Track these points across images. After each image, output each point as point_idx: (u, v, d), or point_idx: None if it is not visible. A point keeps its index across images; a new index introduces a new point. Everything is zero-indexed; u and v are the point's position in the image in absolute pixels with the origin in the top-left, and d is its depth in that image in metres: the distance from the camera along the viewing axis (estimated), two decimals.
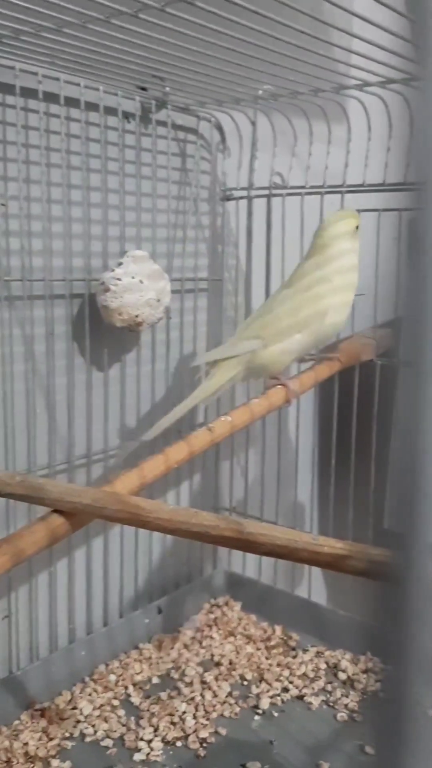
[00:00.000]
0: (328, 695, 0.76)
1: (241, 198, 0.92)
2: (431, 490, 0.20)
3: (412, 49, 0.66)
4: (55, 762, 0.64)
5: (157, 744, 0.67)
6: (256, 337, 0.76)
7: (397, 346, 0.90)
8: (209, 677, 0.77)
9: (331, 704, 0.74)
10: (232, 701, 0.74)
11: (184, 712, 0.71)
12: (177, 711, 0.71)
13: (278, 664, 0.80)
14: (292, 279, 0.79)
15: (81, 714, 0.71)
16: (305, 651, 0.83)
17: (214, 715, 0.72)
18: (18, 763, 0.63)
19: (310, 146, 0.85)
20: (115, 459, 0.83)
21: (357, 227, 0.76)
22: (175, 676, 0.78)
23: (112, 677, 0.77)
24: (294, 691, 0.76)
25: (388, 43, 0.64)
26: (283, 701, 0.74)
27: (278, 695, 0.75)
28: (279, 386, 0.78)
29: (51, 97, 0.71)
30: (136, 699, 0.73)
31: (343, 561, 0.52)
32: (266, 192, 0.89)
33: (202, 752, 0.66)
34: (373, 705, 0.74)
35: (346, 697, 0.75)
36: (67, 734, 0.68)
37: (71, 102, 0.73)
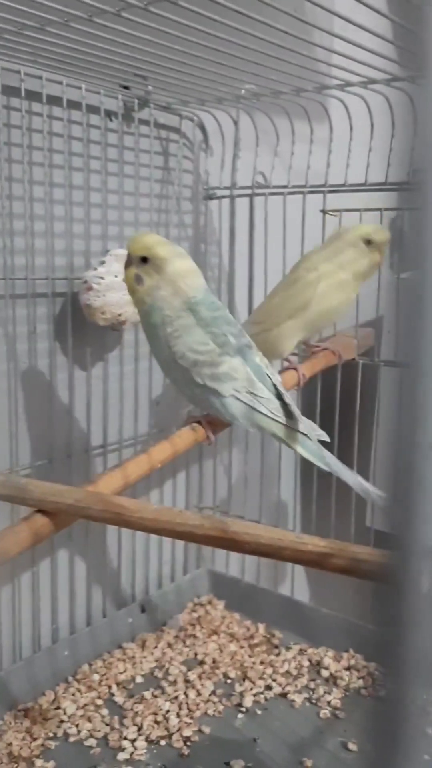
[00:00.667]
0: (311, 693, 0.76)
1: (224, 197, 0.92)
2: (427, 491, 0.20)
3: (394, 50, 0.66)
4: (38, 762, 0.64)
5: (140, 743, 0.67)
6: (258, 322, 0.81)
7: (378, 345, 0.90)
8: (193, 676, 0.77)
9: (314, 702, 0.75)
10: (216, 699, 0.74)
11: (168, 711, 0.71)
12: (161, 710, 0.71)
13: (261, 662, 0.81)
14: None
15: (64, 714, 0.70)
16: (288, 649, 0.84)
17: (198, 713, 0.72)
18: (2, 763, 0.63)
19: (293, 146, 0.85)
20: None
21: (370, 241, 0.77)
22: (159, 675, 0.78)
23: (96, 677, 0.77)
24: (277, 689, 0.76)
25: (369, 44, 0.65)
26: (266, 699, 0.75)
27: (261, 693, 0.75)
28: (291, 369, 0.80)
29: (33, 95, 0.71)
30: (119, 698, 0.73)
31: (326, 559, 0.53)
32: (249, 191, 0.89)
33: (185, 751, 0.66)
34: (369, 706, 0.75)
35: (329, 694, 0.75)
36: (50, 734, 0.68)
37: (53, 100, 0.73)
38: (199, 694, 0.75)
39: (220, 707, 0.73)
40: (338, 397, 0.86)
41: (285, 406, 0.67)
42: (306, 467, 0.93)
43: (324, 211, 0.83)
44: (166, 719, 0.70)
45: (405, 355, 0.20)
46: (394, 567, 0.20)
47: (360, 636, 0.83)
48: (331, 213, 0.83)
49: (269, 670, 0.79)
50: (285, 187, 0.86)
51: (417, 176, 0.20)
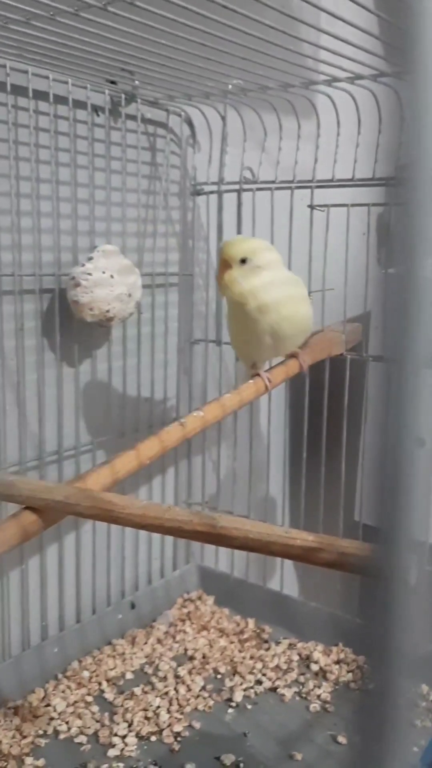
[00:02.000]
0: (301, 686, 0.76)
1: (212, 192, 0.92)
2: (414, 485, 0.20)
3: (380, 46, 0.66)
4: (29, 760, 0.64)
5: (131, 739, 0.67)
6: None
7: (366, 341, 0.90)
8: (183, 671, 0.77)
9: (304, 695, 0.75)
10: (206, 695, 0.74)
11: (158, 707, 0.71)
12: (151, 706, 0.71)
13: (251, 657, 0.81)
14: None
15: (54, 711, 0.70)
16: (278, 643, 0.84)
17: (188, 709, 0.72)
18: None
19: (280, 141, 0.85)
20: None
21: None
22: (149, 671, 0.78)
23: (86, 673, 0.77)
24: (267, 684, 0.76)
25: (356, 39, 0.65)
26: (256, 693, 0.75)
27: (251, 688, 0.76)
28: (257, 376, 0.79)
29: (19, 90, 0.71)
30: (109, 695, 0.73)
31: (314, 553, 0.53)
32: (236, 187, 0.89)
33: (176, 746, 0.66)
34: (357, 698, 0.75)
35: (319, 688, 0.76)
36: (40, 732, 0.68)
37: (40, 95, 0.72)
38: (189, 689, 0.75)
39: (210, 702, 0.73)
40: (326, 391, 0.87)
41: None
42: (294, 462, 0.93)
43: (311, 207, 0.83)
44: (157, 715, 0.70)
45: (391, 350, 0.20)
46: (382, 561, 0.21)
47: (349, 630, 0.84)
48: (318, 208, 0.83)
49: (259, 665, 0.79)
50: (272, 182, 0.86)
51: (404, 172, 0.20)
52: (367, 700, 0.21)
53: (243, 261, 0.73)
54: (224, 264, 0.73)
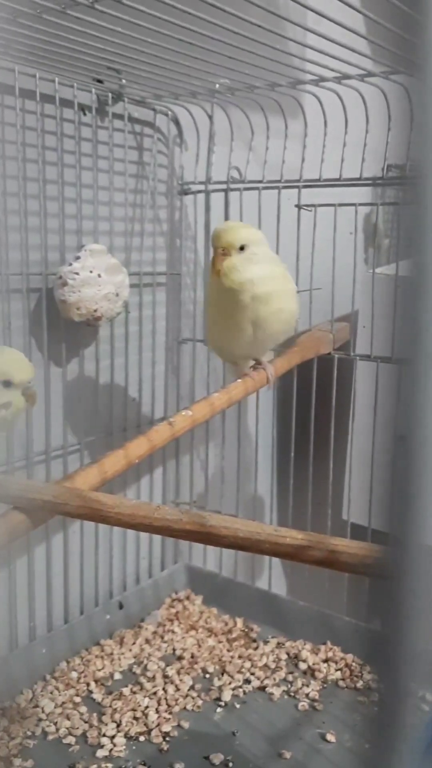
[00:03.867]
0: (289, 685, 0.76)
1: (199, 192, 0.92)
2: (425, 489, 0.20)
3: (367, 45, 0.67)
4: (17, 761, 0.63)
5: (119, 739, 0.67)
6: None
7: (353, 340, 0.91)
8: (171, 671, 0.77)
9: (292, 694, 0.75)
10: (195, 694, 0.74)
11: (147, 707, 0.71)
12: (139, 706, 0.71)
13: (240, 656, 0.81)
14: None
15: (43, 712, 0.70)
16: (266, 642, 0.84)
17: (177, 708, 0.72)
18: None
19: (267, 141, 0.86)
20: None
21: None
22: (137, 671, 0.78)
23: (74, 674, 0.76)
24: (255, 683, 0.76)
25: (343, 39, 0.65)
26: (245, 693, 0.75)
27: (240, 687, 0.76)
28: (245, 375, 0.78)
29: (5, 89, 0.70)
30: (98, 695, 0.73)
31: (304, 551, 0.53)
32: (224, 186, 0.89)
33: (165, 746, 0.66)
34: (348, 697, 0.75)
35: (307, 686, 0.76)
36: (29, 733, 0.67)
37: (26, 93, 0.72)
38: (177, 689, 0.75)
39: (199, 702, 0.73)
40: (314, 390, 0.87)
41: None
42: (282, 461, 0.93)
43: (299, 206, 0.84)
44: (145, 715, 0.70)
45: (402, 349, 0.20)
46: (392, 564, 0.20)
47: (337, 628, 0.84)
48: (305, 208, 0.83)
49: (247, 664, 0.79)
50: (260, 182, 0.86)
51: (414, 170, 0.20)
52: (378, 704, 0.21)
53: (242, 248, 0.71)
54: (221, 250, 0.70)
